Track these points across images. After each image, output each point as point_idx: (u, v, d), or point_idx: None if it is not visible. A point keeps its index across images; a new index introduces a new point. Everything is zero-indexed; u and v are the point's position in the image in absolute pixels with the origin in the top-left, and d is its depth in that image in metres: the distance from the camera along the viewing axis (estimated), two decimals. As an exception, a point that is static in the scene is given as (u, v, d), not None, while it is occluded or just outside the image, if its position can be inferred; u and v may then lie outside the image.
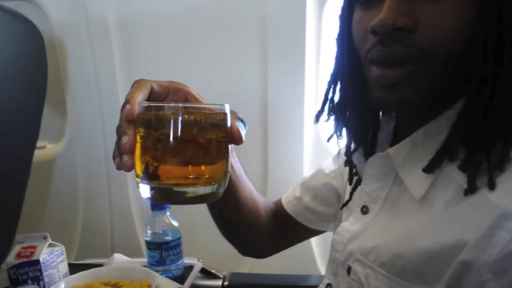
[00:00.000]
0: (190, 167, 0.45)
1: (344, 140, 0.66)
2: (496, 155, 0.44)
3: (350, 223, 0.60)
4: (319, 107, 1.18)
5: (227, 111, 0.47)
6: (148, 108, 0.45)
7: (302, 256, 1.22)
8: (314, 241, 1.23)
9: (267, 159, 1.21)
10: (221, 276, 1.08)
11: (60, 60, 1.28)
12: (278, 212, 0.79)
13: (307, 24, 1.11)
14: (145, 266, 1.02)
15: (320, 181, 0.76)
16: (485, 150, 0.44)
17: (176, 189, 0.44)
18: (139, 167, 0.45)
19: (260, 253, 0.82)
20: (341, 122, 0.62)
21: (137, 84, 0.49)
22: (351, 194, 0.65)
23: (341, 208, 0.68)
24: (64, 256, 0.96)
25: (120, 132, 0.45)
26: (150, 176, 0.44)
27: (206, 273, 1.08)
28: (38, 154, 1.18)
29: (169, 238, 1.00)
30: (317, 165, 0.81)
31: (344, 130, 0.64)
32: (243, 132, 0.48)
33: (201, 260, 1.11)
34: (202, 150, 0.45)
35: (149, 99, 0.50)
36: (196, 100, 0.53)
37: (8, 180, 1.07)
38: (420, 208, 0.50)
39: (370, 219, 0.58)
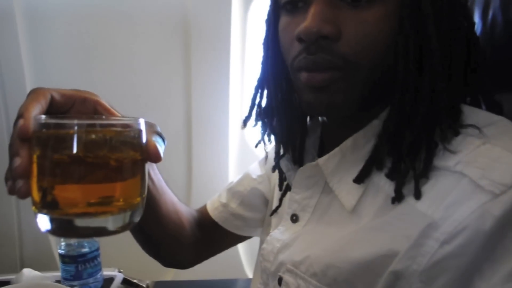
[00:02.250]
0: (97, 195, 0.38)
1: (271, 145, 0.65)
2: (420, 163, 0.45)
3: (280, 232, 0.60)
4: (244, 112, 1.19)
5: (142, 126, 0.41)
6: (45, 125, 0.37)
7: (228, 260, 1.21)
8: (240, 244, 1.22)
9: (192, 164, 1.19)
10: (144, 285, 1.04)
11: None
12: (203, 220, 0.77)
13: (232, 27, 1.09)
14: (59, 281, 0.95)
15: (247, 187, 0.75)
16: (409, 159, 0.46)
17: (80, 221, 0.38)
18: (36, 194, 0.37)
19: (185, 264, 0.79)
20: (268, 127, 0.61)
21: (33, 94, 0.41)
22: (281, 200, 0.64)
23: (271, 215, 0.67)
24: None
25: (12, 152, 0.38)
26: (49, 205, 0.37)
27: (128, 284, 1.03)
28: None
29: (85, 250, 0.93)
30: (243, 170, 0.79)
31: (272, 136, 0.63)
32: (161, 148, 0.43)
33: (121, 271, 1.05)
34: (112, 174, 0.38)
35: (49, 111, 0.42)
36: (107, 112, 0.46)
37: None
38: (350, 218, 0.51)
39: (300, 227, 0.57)
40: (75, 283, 0.93)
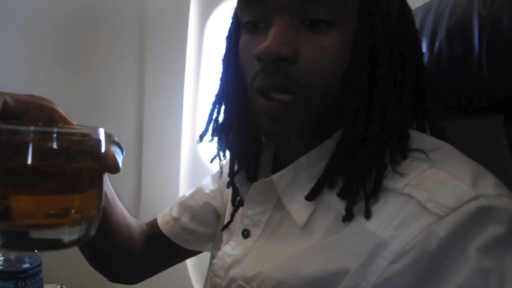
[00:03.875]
0: (52, 206, 0.36)
1: (226, 160, 0.65)
2: (370, 184, 0.47)
3: (231, 247, 0.60)
4: (198, 124, 1.19)
5: (101, 136, 0.40)
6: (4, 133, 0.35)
7: (176, 275, 1.19)
8: (189, 260, 1.21)
9: (141, 176, 1.17)
10: (87, 303, 0.99)
11: None
12: (153, 234, 0.75)
13: (188, 38, 1.09)
14: (-5, 300, 0.89)
15: (199, 201, 0.74)
16: (361, 179, 0.47)
17: (33, 233, 0.35)
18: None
19: (133, 279, 0.77)
20: (224, 143, 0.62)
21: None
22: (232, 215, 0.65)
23: (222, 230, 0.67)
24: None
25: None
26: (1, 215, 0.35)
27: (70, 301, 0.98)
28: None
29: (26, 265, 0.88)
30: (194, 183, 0.79)
31: (227, 151, 0.63)
32: (119, 159, 0.42)
33: (64, 287, 1.00)
34: (68, 183, 0.37)
35: (1, 116, 0.40)
36: (63, 120, 0.44)
37: None
38: (301, 234, 0.52)
39: (252, 243, 0.58)
40: (14, 301, 0.87)
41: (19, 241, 0.36)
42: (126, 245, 0.67)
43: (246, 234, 0.59)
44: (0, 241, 0.35)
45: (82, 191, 0.38)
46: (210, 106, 0.62)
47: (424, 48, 0.62)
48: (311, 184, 0.51)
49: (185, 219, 0.73)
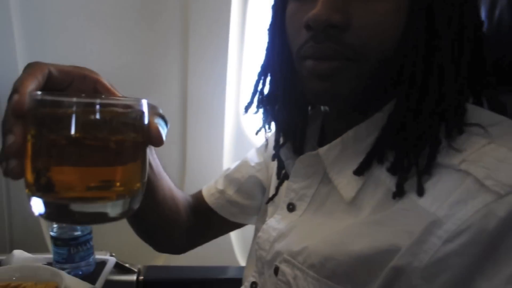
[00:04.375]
0: (95, 179, 0.36)
1: (271, 133, 0.65)
2: (423, 159, 0.45)
3: (276, 221, 0.59)
4: (241, 97, 1.18)
5: (145, 108, 0.39)
6: (41, 102, 0.35)
7: (220, 247, 1.21)
8: (232, 232, 1.23)
9: (186, 148, 1.18)
10: (136, 270, 1.03)
11: None
12: (198, 206, 0.76)
13: (232, 9, 1.07)
14: (50, 264, 0.94)
15: (245, 174, 0.74)
16: (413, 154, 0.45)
17: (76, 206, 0.35)
18: (29, 176, 0.35)
19: (179, 249, 0.79)
20: (270, 115, 0.61)
21: (30, 69, 0.39)
22: (277, 189, 0.64)
23: (267, 203, 0.67)
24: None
25: (5, 128, 0.36)
26: (43, 188, 0.35)
27: (120, 268, 1.02)
28: None
29: (78, 233, 0.92)
30: (238, 157, 0.79)
31: (272, 124, 0.62)
32: (163, 131, 0.41)
33: (113, 255, 1.04)
34: (111, 156, 0.36)
35: (46, 87, 0.39)
36: (107, 91, 0.44)
37: None
38: (348, 210, 0.51)
39: (297, 217, 0.57)
40: (67, 266, 0.92)
41: (62, 214, 0.35)
42: (172, 217, 0.68)
43: (291, 208, 0.58)
44: (44, 213, 0.35)
45: (125, 163, 0.37)
46: (255, 77, 0.61)
47: (483, 16, 0.58)
48: (360, 159, 0.50)
49: (230, 192, 0.74)
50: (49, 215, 0.36)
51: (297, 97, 0.56)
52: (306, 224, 0.55)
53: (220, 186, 0.75)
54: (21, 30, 1.12)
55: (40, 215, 0.36)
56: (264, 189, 0.73)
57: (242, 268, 1.18)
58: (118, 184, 0.37)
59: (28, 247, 1.02)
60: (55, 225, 0.93)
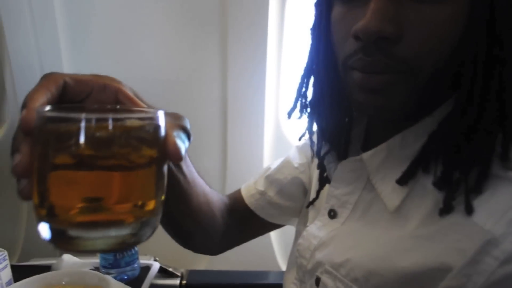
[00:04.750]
0: (103, 203, 0.32)
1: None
2: (475, 173, 0.42)
3: (317, 228, 0.57)
4: (280, 99, 1.17)
5: (161, 120, 0.35)
6: (46, 118, 0.31)
7: (261, 251, 1.21)
8: (273, 236, 1.22)
9: (227, 152, 1.18)
10: (179, 274, 1.05)
11: (-2, 40, 1.16)
12: (236, 206, 0.74)
13: (269, 12, 1.07)
14: (97, 269, 0.97)
15: (288, 175, 0.71)
16: (464, 169, 0.42)
17: (78, 233, 0.32)
18: (35, 198, 0.32)
19: (216, 251, 0.77)
20: (313, 119, 0.58)
21: (43, 80, 0.36)
22: (318, 193, 0.62)
23: (307, 207, 0.65)
24: (7, 261, 0.88)
25: (13, 146, 0.34)
26: (47, 212, 0.32)
27: (163, 272, 1.04)
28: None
29: (123, 238, 0.94)
30: (278, 157, 0.77)
31: (315, 127, 0.60)
32: (183, 145, 0.37)
33: (157, 259, 1.06)
34: (121, 178, 0.33)
35: (63, 100, 0.37)
36: (130, 101, 0.40)
37: None
38: (394, 220, 0.48)
39: (339, 225, 0.55)
40: (113, 271, 0.94)
41: (67, 241, 0.32)
42: (208, 222, 0.67)
43: (332, 214, 0.56)
44: (50, 239, 0.32)
45: (137, 185, 0.34)
46: (298, 80, 0.58)
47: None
48: (405, 166, 0.47)
49: (271, 193, 0.71)
50: (55, 242, 0.32)
51: (342, 100, 0.53)
52: (348, 233, 0.53)
53: (261, 187, 0.72)
54: (67, 35, 1.16)
55: (48, 241, 0.32)
56: (306, 191, 0.71)
57: (283, 273, 1.18)
58: (128, 206, 0.33)
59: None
60: (101, 231, 0.96)
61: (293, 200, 0.71)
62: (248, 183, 0.75)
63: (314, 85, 0.56)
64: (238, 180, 1.12)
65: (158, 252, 1.09)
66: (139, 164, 0.33)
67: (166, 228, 0.65)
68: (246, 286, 1.07)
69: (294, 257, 0.62)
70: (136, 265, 0.98)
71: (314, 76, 0.56)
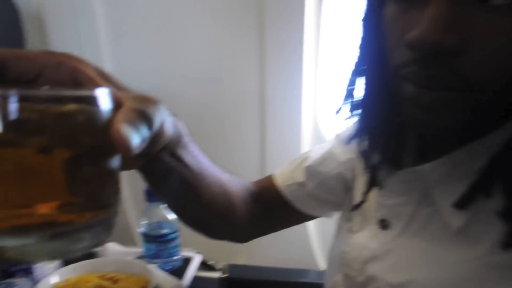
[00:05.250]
0: (29, 202, 0.26)
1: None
2: None
3: (367, 237, 0.54)
4: (318, 96, 1.15)
5: (103, 102, 0.28)
6: None
7: (300, 249, 1.20)
8: (312, 234, 1.21)
9: (265, 150, 1.18)
10: (219, 268, 1.05)
11: (41, 34, 1.20)
12: (266, 194, 0.69)
13: (306, 6, 1.05)
14: (141, 258, 0.98)
15: (332, 170, 0.66)
16: None
17: (11, 240, 0.25)
18: None
19: (242, 239, 0.72)
20: (362, 120, 0.54)
21: None
22: (365, 195, 0.57)
23: (352, 210, 0.61)
24: (57, 246, 0.91)
25: None
26: None
27: (204, 265, 1.05)
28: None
29: (165, 231, 0.95)
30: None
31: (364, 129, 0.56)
32: (136, 135, 0.29)
33: (199, 252, 1.07)
34: (54, 171, 0.26)
35: (3, 80, 0.31)
36: (92, 82, 0.33)
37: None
38: (460, 240, 0.44)
39: (393, 237, 0.51)
40: (156, 261, 0.96)
41: None
42: (226, 212, 0.62)
43: (384, 225, 0.52)
44: None
45: (77, 179, 0.27)
46: (348, 76, 0.54)
47: None
48: (467, 184, 0.42)
49: (311, 185, 0.67)
50: None
51: (395, 104, 0.48)
52: (406, 248, 0.49)
53: (300, 178, 0.67)
54: (107, 32, 1.18)
55: None
56: (348, 187, 0.66)
57: (321, 272, 1.17)
58: (61, 208, 0.27)
59: (117, 240, 1.08)
60: (144, 222, 0.97)
61: (333, 193, 0.67)
62: (282, 172, 0.70)
63: (365, 83, 0.52)
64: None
65: (199, 245, 1.10)
66: (73, 155, 0.27)
67: (183, 221, 0.60)
68: (286, 284, 1.06)
69: (336, 261, 0.59)
70: (178, 257, 0.99)
71: (365, 74, 0.52)
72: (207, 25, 1.14)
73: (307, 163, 0.68)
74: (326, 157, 0.67)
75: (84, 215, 0.28)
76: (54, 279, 0.82)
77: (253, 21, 1.11)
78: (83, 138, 0.27)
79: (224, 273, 1.04)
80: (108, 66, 1.19)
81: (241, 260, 1.22)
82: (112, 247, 1.02)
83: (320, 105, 1.18)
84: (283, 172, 0.69)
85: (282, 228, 0.73)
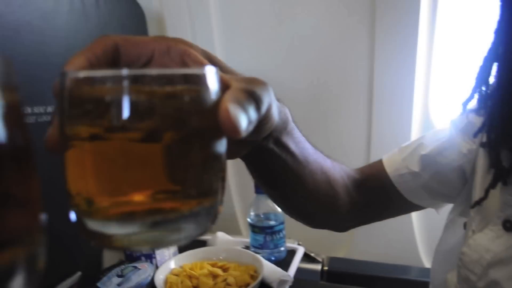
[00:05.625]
0: (137, 189, 0.25)
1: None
2: None
3: (489, 239, 0.52)
4: (431, 88, 1.11)
5: (210, 81, 0.27)
6: (70, 82, 0.25)
7: (403, 245, 1.17)
8: (416, 229, 1.18)
9: (371, 141, 1.17)
10: (320, 260, 1.07)
11: (159, 34, 1.29)
12: (372, 182, 0.65)
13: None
14: (248, 248, 1.04)
15: (451, 161, 0.61)
16: None
17: (113, 228, 0.26)
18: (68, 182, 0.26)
19: (342, 228, 0.69)
20: (496, 112, 0.50)
21: (92, 43, 0.32)
22: (487, 191, 0.53)
23: (472, 207, 0.58)
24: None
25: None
26: (74, 203, 0.26)
27: (306, 256, 1.08)
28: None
29: (272, 222, 1.00)
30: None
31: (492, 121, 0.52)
32: (243, 117, 0.28)
33: (301, 243, 1.10)
34: (160, 158, 0.25)
35: (118, 65, 0.33)
36: (200, 65, 0.33)
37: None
38: None
39: None
40: (262, 251, 1.01)
41: (100, 237, 0.26)
42: (329, 201, 0.59)
43: (508, 226, 0.49)
44: (83, 235, 0.26)
45: (182, 167, 0.26)
46: (480, 64, 0.50)
47: None
48: None
49: (426, 176, 0.63)
50: (86, 235, 0.26)
51: None
52: None
53: (415, 167, 0.63)
54: (220, 32, 1.24)
55: (82, 236, 0.27)
56: (466, 180, 0.62)
57: (425, 269, 1.14)
58: (167, 195, 0.26)
59: (224, 230, 1.15)
60: (252, 213, 1.02)
61: (449, 186, 0.63)
62: (392, 158, 0.65)
63: (498, 72, 0.48)
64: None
65: (300, 236, 1.13)
66: (179, 140, 0.26)
67: (284, 210, 0.60)
68: (387, 280, 1.05)
69: (450, 259, 0.58)
70: (283, 248, 1.03)
71: (498, 62, 0.48)
72: (317, 17, 1.15)
73: (423, 151, 0.63)
74: (445, 147, 0.62)
75: (188, 203, 0.27)
76: (172, 264, 0.91)
77: (364, 9, 1.10)
78: (191, 120, 0.26)
79: (324, 265, 1.06)
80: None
81: (341, 253, 1.23)
82: (221, 236, 1.09)
83: (432, 95, 1.13)
84: (393, 159, 0.65)
85: (384, 218, 0.69)
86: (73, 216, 0.26)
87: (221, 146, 0.28)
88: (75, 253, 1.05)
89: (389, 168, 0.64)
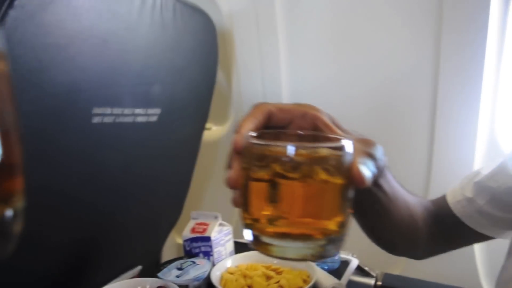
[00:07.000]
0: (291, 219, 0.38)
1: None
2: None
3: None
4: (498, 102, 1.07)
5: (347, 150, 0.39)
6: (251, 143, 0.39)
7: (463, 266, 1.13)
8: (477, 250, 1.14)
9: (432, 156, 1.15)
10: (374, 275, 1.06)
11: (227, 48, 1.35)
12: (442, 213, 0.69)
13: (491, 4, 0.99)
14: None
15: (502, 184, 0.64)
16: None
17: (270, 241, 0.38)
18: (241, 206, 0.40)
19: (420, 257, 0.75)
20: None
21: (253, 109, 0.44)
22: None
23: None
24: (231, 235, 1.03)
25: (227, 162, 0.42)
26: (247, 220, 0.40)
27: (359, 270, 1.07)
28: (204, 135, 1.29)
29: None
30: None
31: None
32: (368, 172, 0.40)
33: (355, 256, 1.10)
34: (308, 198, 0.38)
35: (269, 126, 0.44)
36: (327, 128, 0.45)
37: (182, 154, 1.20)
38: None
39: None
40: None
41: (259, 245, 0.39)
42: (410, 232, 0.65)
43: None
44: (250, 241, 0.40)
45: (325, 204, 0.39)
46: None
47: None
48: None
49: (481, 201, 0.65)
50: (253, 245, 0.39)
51: None
52: None
53: (469, 193, 0.66)
54: (286, 45, 1.29)
55: (249, 243, 0.40)
56: None
57: (485, 294, 1.10)
58: (313, 224, 0.38)
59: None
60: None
61: (506, 210, 0.64)
62: (454, 188, 0.70)
63: None
64: (444, 188, 1.08)
65: (355, 249, 1.12)
66: (325, 187, 0.38)
67: (370, 237, 0.65)
68: (443, 300, 1.02)
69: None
70: (337, 258, 1.03)
71: None
72: (383, 32, 1.17)
73: (477, 178, 0.67)
74: (497, 171, 0.65)
75: (333, 231, 0.38)
76: (228, 263, 0.94)
77: (430, 25, 1.09)
78: (334, 174, 0.38)
79: (378, 280, 1.05)
80: (284, 76, 1.31)
81: (396, 270, 1.20)
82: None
83: (500, 115, 1.10)
84: (454, 189, 0.70)
85: (458, 247, 0.73)
86: (248, 233, 0.39)
87: (351, 192, 0.40)
88: (137, 249, 1.12)
89: (450, 197, 0.69)
